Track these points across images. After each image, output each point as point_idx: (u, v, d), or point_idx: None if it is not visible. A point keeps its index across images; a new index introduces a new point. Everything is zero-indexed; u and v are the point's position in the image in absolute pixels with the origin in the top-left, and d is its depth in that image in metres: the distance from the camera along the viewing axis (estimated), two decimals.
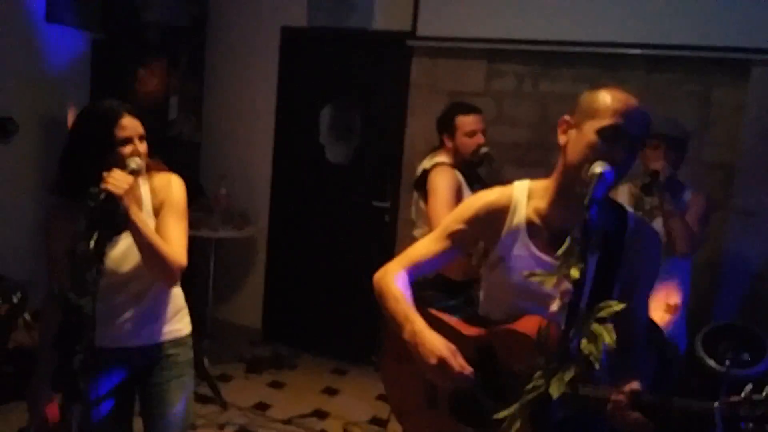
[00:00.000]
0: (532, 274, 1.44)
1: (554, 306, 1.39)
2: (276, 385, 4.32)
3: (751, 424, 1.31)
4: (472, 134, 3.23)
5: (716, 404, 1.34)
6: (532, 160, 4.09)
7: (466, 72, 4.29)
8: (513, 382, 1.47)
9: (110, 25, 4.49)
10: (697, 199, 2.95)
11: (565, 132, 1.60)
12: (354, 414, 4.00)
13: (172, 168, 2.28)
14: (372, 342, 4.60)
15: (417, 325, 1.62)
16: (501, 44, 4.16)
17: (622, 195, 3.08)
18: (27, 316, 3.72)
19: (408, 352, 1.61)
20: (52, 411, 2.01)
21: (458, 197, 3.14)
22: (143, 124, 2.06)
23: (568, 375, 1.25)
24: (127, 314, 2.12)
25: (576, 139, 1.55)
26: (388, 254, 4.61)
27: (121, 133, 1.98)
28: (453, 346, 1.57)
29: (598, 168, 1.48)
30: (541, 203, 1.66)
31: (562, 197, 1.61)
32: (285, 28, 4.81)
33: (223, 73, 4.99)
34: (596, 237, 1.37)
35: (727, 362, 2.58)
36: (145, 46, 4.52)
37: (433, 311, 1.77)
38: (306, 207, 4.91)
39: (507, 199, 1.69)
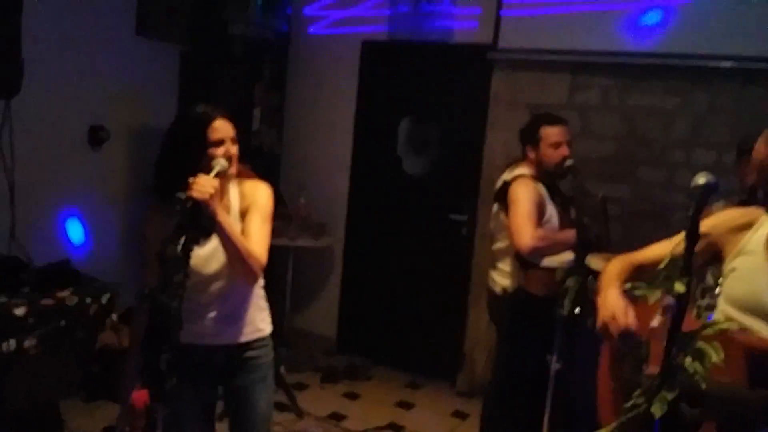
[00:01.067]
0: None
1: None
2: (351, 396, 4.32)
3: None
4: (557, 145, 3.16)
5: None
6: (617, 175, 3.97)
7: (548, 85, 4.22)
8: None
9: (197, 38, 4.64)
10: None
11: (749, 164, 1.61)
12: (429, 429, 3.95)
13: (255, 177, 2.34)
14: (448, 357, 4.55)
15: (609, 288, 1.67)
16: (586, 56, 4.07)
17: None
18: (114, 317, 3.85)
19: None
20: (139, 396, 2.06)
21: (540, 210, 3.07)
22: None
23: (671, 394, 1.19)
24: (212, 313, 2.17)
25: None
26: (464, 268, 4.60)
27: (214, 135, 2.05)
28: (626, 304, 1.60)
29: (702, 179, 1.43)
30: None
31: None
32: (366, 41, 4.86)
33: (305, 86, 5.08)
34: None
35: None
36: (230, 58, 4.65)
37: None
38: (382, 219, 4.92)
39: (755, 216, 1.75)
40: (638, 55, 3.90)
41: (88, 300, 3.45)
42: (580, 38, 4.06)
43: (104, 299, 3.55)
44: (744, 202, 2.76)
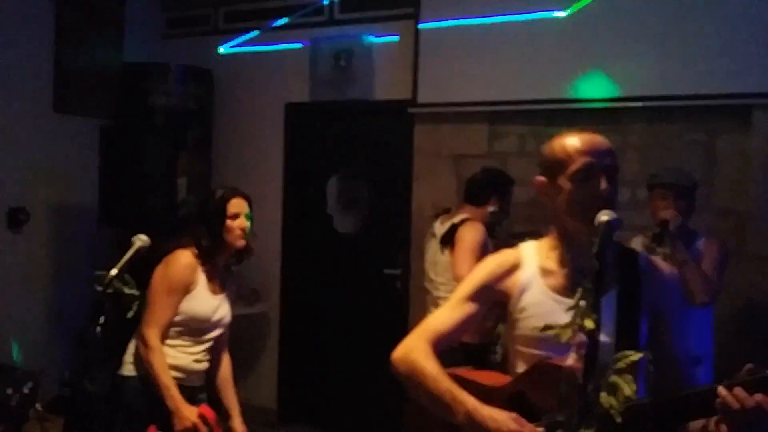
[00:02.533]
0: (548, 327, 1.40)
1: (570, 360, 1.34)
2: None
3: None
4: None
5: None
6: (539, 218, 4.05)
7: (469, 135, 4.33)
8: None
9: (118, 111, 4.60)
10: (711, 247, 2.91)
11: (544, 193, 1.62)
12: None
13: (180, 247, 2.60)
14: (395, 417, 4.47)
15: (470, 404, 1.51)
16: (501, 106, 4.21)
17: (635, 246, 3.04)
18: (39, 407, 3.65)
19: None
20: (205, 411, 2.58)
21: (485, 251, 3.19)
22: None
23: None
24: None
25: (559, 196, 1.57)
26: (402, 322, 4.57)
27: (232, 209, 2.67)
28: (516, 415, 1.48)
29: (604, 217, 1.47)
30: (551, 254, 1.66)
31: (567, 248, 1.61)
32: (289, 104, 4.91)
33: (231, 152, 5.06)
34: (608, 281, 1.35)
35: None
36: (153, 129, 4.61)
37: (453, 370, 1.71)
38: (317, 279, 4.88)
39: (516, 256, 1.70)
40: (549, 102, 4.06)
41: (9, 391, 3.28)
42: (494, 89, 4.20)
43: (26, 389, 3.38)
44: (657, 236, 2.88)
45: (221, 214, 2.63)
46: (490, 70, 4.19)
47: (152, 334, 2.49)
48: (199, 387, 2.75)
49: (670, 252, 2.77)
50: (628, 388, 1.23)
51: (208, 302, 2.65)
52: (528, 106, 4.14)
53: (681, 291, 1.71)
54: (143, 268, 2.28)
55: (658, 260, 1.73)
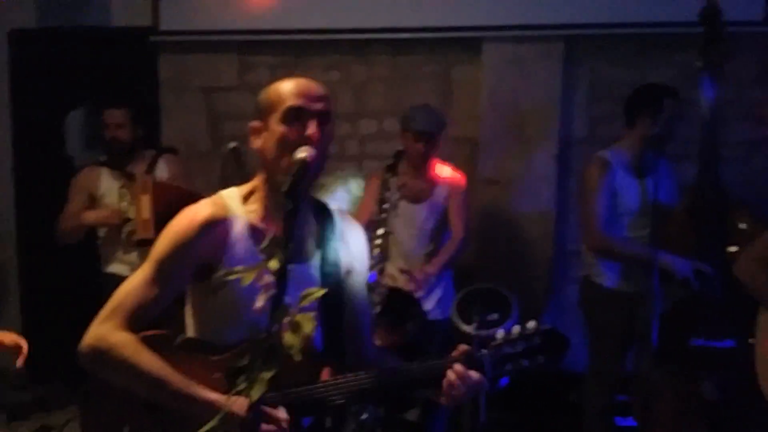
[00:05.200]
0: (229, 273, 1.35)
1: (259, 302, 1.31)
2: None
3: (510, 364, 1.43)
4: None
5: (484, 351, 1.44)
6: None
7: (218, 66, 4.13)
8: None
9: None
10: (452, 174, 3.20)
11: (258, 137, 1.55)
12: None
13: None
14: None
15: (200, 393, 1.42)
16: (251, 35, 4.05)
17: (370, 180, 3.18)
18: None
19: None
20: None
21: None
22: None
23: (268, 374, 1.18)
24: None
25: (268, 139, 1.52)
26: None
27: None
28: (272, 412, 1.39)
29: (301, 153, 1.45)
30: (256, 206, 1.58)
31: (273, 199, 1.54)
32: (13, 31, 4.31)
33: None
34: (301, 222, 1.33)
35: (475, 324, 2.73)
36: None
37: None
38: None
39: (223, 209, 1.55)
40: (299, 32, 3.98)
41: None
42: (243, 17, 4.02)
43: None
44: (390, 167, 3.00)
45: None
46: None
47: None
48: None
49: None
50: (308, 325, 1.24)
51: None
52: (277, 36, 4.03)
53: (365, 247, 1.73)
54: None
55: (348, 217, 1.72)
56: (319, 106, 1.51)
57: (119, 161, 3.38)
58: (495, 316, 2.79)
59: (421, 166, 3.17)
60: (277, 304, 1.26)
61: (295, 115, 1.49)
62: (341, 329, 1.61)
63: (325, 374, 1.49)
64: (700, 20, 2.68)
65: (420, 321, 2.91)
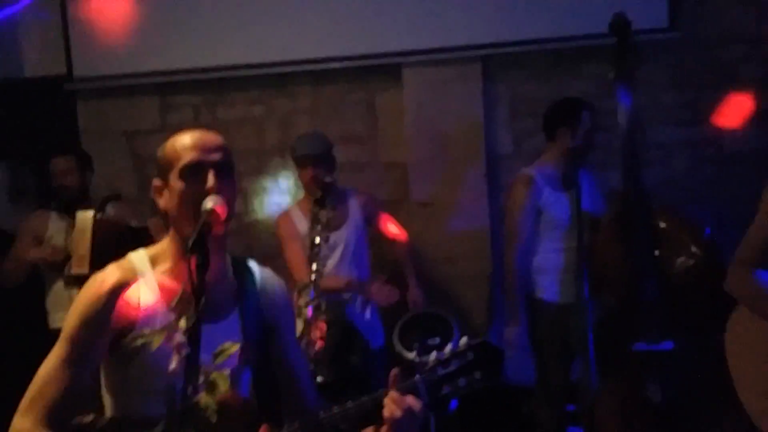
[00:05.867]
0: (137, 337, 1.30)
1: (173, 363, 1.26)
2: None
3: (446, 386, 1.40)
4: None
5: (417, 377, 1.40)
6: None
7: (139, 109, 4.05)
8: None
9: None
10: (361, 198, 3.23)
11: (160, 196, 1.52)
12: None
13: None
14: None
15: None
16: (170, 76, 3.99)
17: (296, 216, 3.13)
18: None
19: None
20: None
21: None
22: None
23: None
24: None
25: (170, 197, 1.48)
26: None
27: None
28: None
29: (209, 203, 1.41)
30: (166, 265, 1.52)
31: (182, 256, 1.48)
32: None
33: None
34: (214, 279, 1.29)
35: (416, 350, 2.72)
36: None
37: None
38: None
39: (131, 272, 1.49)
40: (219, 69, 3.94)
41: None
42: (160, 58, 3.96)
43: None
44: (318, 200, 2.96)
45: None
46: (154, 38, 3.93)
47: None
48: None
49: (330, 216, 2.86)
50: (223, 384, 1.20)
51: None
52: (198, 75, 3.97)
53: (289, 301, 1.69)
54: None
55: (268, 271, 1.68)
56: (216, 157, 1.48)
57: (69, 207, 3.39)
58: (437, 341, 2.78)
59: (325, 192, 2.95)
60: (190, 364, 1.22)
61: (193, 170, 1.45)
62: (274, 384, 1.56)
63: (263, 431, 1.45)
64: (611, 31, 2.77)
65: (363, 352, 2.88)
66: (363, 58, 3.83)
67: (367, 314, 3.12)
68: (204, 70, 3.95)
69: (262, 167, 4.00)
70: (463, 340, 1.43)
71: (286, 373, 1.58)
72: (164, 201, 1.50)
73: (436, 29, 3.74)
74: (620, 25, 2.75)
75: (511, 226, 3.07)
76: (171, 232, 1.53)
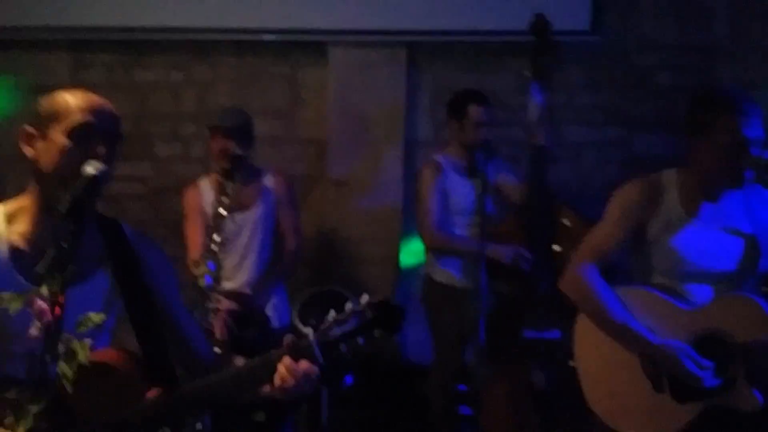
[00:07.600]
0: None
1: (33, 330, 1.23)
2: None
3: (344, 345, 1.35)
4: None
5: (311, 335, 1.36)
6: (135, 153, 3.84)
7: (48, 64, 3.87)
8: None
9: None
10: (277, 181, 3.10)
11: (30, 143, 1.43)
12: None
13: None
14: None
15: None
16: (86, 33, 3.83)
17: (205, 189, 3.08)
18: None
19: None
20: None
21: None
22: None
23: (36, 407, 1.11)
24: None
25: (46, 149, 1.41)
26: None
27: None
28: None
29: (90, 168, 1.36)
30: (24, 227, 1.45)
31: (45, 214, 1.42)
32: None
33: None
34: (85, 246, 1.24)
35: (310, 325, 2.72)
36: None
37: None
38: None
39: None
40: (141, 30, 3.80)
41: None
42: (77, 14, 3.79)
43: None
44: (226, 172, 2.91)
45: None
46: None
47: None
48: None
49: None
50: (82, 353, 1.17)
51: None
52: (116, 35, 3.83)
53: (170, 264, 1.65)
54: None
55: (141, 233, 1.60)
56: (110, 126, 1.43)
57: None
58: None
59: (239, 169, 2.88)
60: (51, 332, 1.19)
61: (85, 133, 1.39)
62: (163, 345, 1.50)
63: (152, 392, 1.40)
64: (530, 31, 2.83)
65: (261, 327, 2.87)
66: (289, 32, 3.78)
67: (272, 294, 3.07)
68: (123, 30, 3.81)
69: (175, 133, 3.90)
70: (364, 297, 1.38)
71: (173, 330, 1.55)
72: (35, 152, 1.43)
73: (364, 11, 3.73)
74: (539, 25, 2.82)
75: (422, 209, 3.19)
76: (32, 187, 1.45)
